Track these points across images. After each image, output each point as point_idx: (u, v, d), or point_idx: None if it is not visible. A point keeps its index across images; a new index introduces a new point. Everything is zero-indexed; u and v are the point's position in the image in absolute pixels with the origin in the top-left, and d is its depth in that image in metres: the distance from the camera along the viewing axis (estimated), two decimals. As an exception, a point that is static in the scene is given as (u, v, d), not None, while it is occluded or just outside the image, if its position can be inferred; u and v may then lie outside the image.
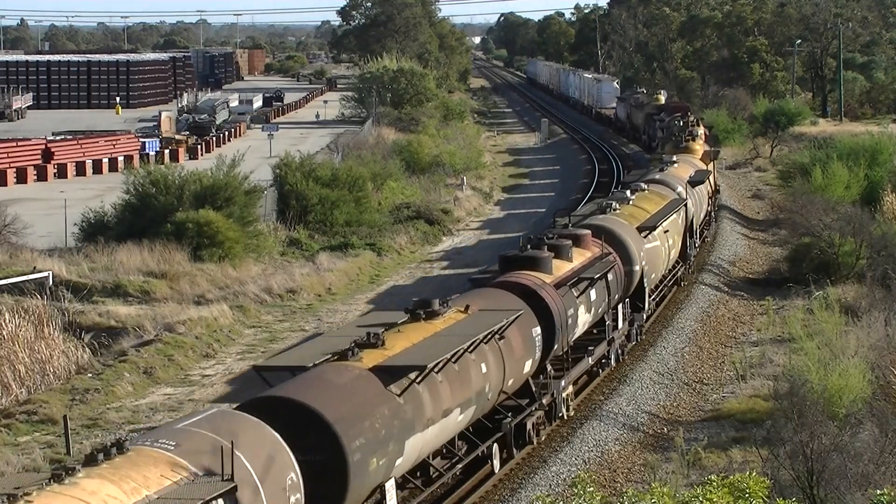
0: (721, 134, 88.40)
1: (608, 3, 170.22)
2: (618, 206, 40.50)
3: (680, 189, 48.04)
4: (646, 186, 45.53)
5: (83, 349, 37.04)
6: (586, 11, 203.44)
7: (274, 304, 45.51)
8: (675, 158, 56.07)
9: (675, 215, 43.89)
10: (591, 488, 19.70)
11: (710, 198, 58.86)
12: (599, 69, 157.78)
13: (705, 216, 56.35)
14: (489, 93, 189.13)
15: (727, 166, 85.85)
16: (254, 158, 68.66)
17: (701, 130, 69.93)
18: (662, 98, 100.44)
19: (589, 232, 35.11)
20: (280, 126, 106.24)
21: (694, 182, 51.90)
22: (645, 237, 38.88)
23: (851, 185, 61.66)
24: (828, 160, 64.42)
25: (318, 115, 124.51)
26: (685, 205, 46.70)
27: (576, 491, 19.64)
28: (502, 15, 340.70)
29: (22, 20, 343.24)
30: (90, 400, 33.35)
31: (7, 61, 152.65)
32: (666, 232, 42.02)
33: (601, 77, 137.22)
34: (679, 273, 46.96)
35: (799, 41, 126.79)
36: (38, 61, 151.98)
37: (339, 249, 53.95)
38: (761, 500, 19.24)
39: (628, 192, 43.28)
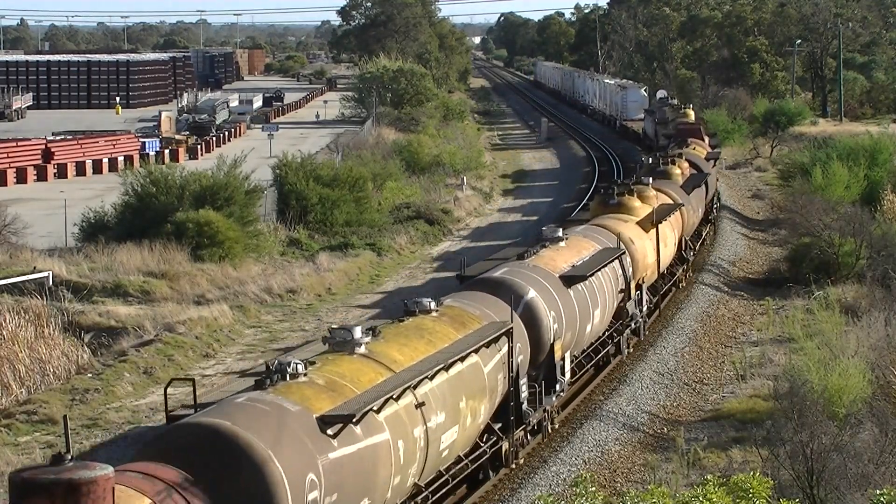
0: (721, 134, 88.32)
1: (608, 3, 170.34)
2: (305, 369, 19.59)
3: (532, 295, 28.26)
4: (434, 306, 24.92)
5: (83, 349, 37.02)
6: (586, 11, 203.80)
7: (274, 304, 45.50)
8: (562, 233, 34.05)
9: (469, 362, 23.82)
10: (593, 488, 19.67)
11: (629, 297, 36.52)
12: (599, 69, 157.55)
13: (618, 330, 36.14)
14: (489, 92, 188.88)
15: (727, 166, 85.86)
16: (254, 158, 68.62)
17: (679, 171, 51.02)
18: (692, 115, 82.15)
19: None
20: (280, 126, 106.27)
21: (573, 279, 30.95)
22: (336, 436, 18.61)
23: (851, 185, 61.67)
24: (828, 160, 64.43)
25: (318, 115, 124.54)
26: (511, 335, 25.91)
27: (577, 490, 19.60)
28: (502, 15, 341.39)
29: (22, 20, 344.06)
30: (90, 400, 33.34)
31: (7, 61, 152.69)
32: (420, 406, 21.54)
33: (626, 84, 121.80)
34: (503, 451, 26.72)
35: (799, 41, 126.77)
36: (38, 61, 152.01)
37: (339, 249, 53.95)
38: (764, 501, 19.22)
39: (358, 331, 21.40)
